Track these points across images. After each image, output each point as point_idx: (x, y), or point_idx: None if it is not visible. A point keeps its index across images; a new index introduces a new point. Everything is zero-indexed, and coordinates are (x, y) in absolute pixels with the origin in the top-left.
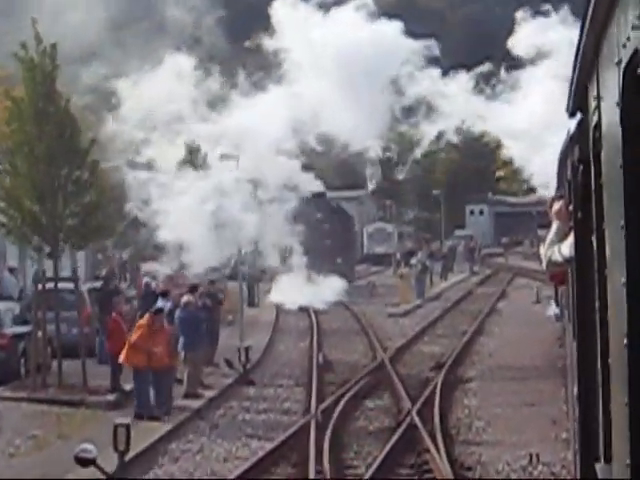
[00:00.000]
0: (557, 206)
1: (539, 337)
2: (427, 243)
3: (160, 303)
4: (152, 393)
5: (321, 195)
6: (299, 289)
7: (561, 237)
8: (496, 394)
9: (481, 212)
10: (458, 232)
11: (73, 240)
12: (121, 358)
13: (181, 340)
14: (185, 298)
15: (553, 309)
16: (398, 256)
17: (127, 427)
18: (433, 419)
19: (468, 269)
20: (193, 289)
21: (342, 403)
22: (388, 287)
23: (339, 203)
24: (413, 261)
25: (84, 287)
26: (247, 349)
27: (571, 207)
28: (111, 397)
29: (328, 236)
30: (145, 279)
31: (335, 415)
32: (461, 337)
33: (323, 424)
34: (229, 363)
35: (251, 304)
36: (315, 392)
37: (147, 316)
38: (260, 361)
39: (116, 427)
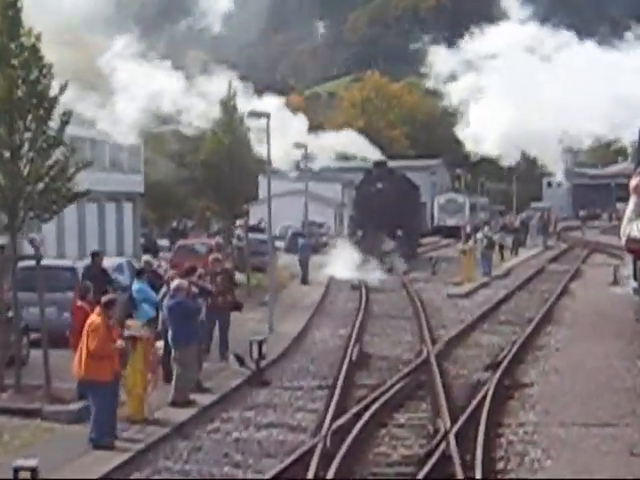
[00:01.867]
0: (635, 182)
1: (616, 329)
2: (501, 215)
3: (135, 285)
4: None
5: (382, 164)
6: (353, 264)
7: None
8: (561, 406)
9: (559, 184)
10: (534, 204)
11: (36, 210)
12: (76, 372)
13: (169, 334)
14: (175, 282)
15: (632, 283)
16: (468, 229)
17: (33, 471)
18: (475, 446)
19: (542, 243)
20: (189, 271)
21: (365, 417)
22: (455, 262)
23: (404, 173)
24: (479, 235)
25: (79, 264)
26: (261, 342)
27: None
28: (74, 406)
29: (388, 207)
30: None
31: (351, 436)
32: (526, 326)
33: (332, 450)
34: (239, 359)
35: (304, 282)
36: (335, 401)
37: (97, 309)
38: (285, 354)
39: (16, 471)
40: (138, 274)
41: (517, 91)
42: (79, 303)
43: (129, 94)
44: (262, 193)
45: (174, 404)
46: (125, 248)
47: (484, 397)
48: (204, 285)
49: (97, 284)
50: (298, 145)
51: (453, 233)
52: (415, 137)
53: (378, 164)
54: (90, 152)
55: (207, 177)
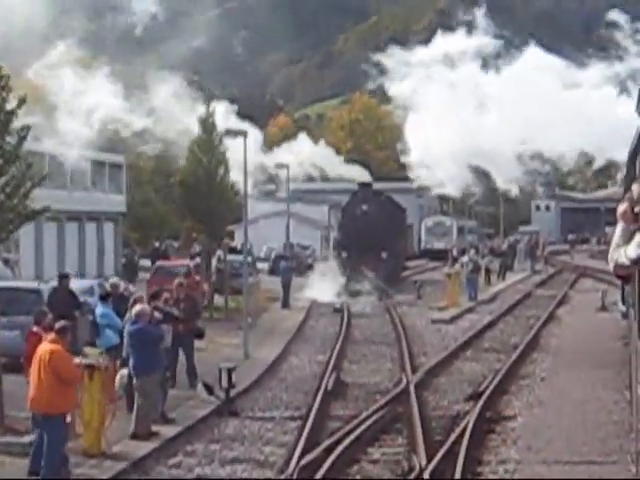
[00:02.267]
0: (622, 208)
1: (604, 358)
2: (489, 238)
3: (98, 310)
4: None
5: (367, 185)
6: (337, 287)
7: (627, 239)
8: (545, 441)
9: (547, 207)
10: (523, 228)
11: None
12: (36, 403)
13: (131, 362)
14: (137, 307)
15: (620, 307)
16: (454, 252)
17: None
18: None
19: (529, 267)
20: (154, 296)
21: (337, 452)
22: (442, 286)
23: (391, 195)
24: (464, 259)
25: (45, 286)
26: (231, 370)
27: (637, 208)
28: (29, 438)
29: (373, 229)
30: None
31: (320, 473)
32: (511, 353)
33: None
34: (208, 388)
35: (284, 305)
36: (306, 434)
37: (50, 336)
38: (258, 381)
39: None
40: (102, 298)
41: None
42: (34, 328)
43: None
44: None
45: (135, 436)
46: (105, 269)
47: (463, 431)
48: (169, 310)
49: (64, 307)
50: (279, 166)
51: (440, 256)
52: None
53: (363, 186)
54: (70, 171)
55: (184, 198)
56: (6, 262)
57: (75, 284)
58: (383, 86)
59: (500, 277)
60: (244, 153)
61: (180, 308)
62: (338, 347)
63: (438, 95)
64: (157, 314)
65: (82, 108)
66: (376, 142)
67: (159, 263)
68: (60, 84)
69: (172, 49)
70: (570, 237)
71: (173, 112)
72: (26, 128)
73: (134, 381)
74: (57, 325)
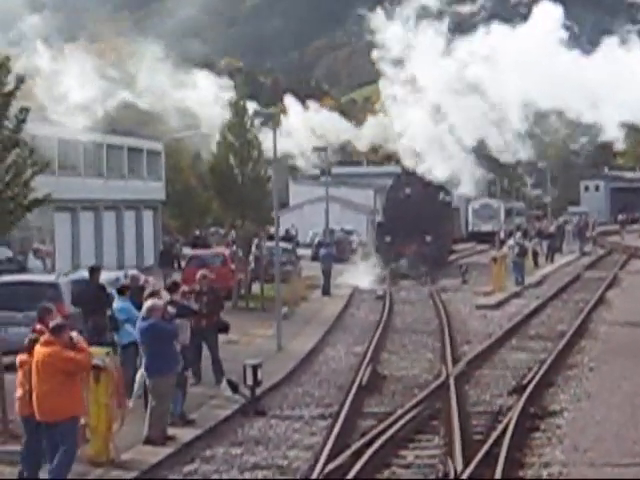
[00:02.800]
0: None
1: None
2: (538, 220)
3: (116, 304)
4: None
5: (410, 169)
6: (380, 273)
7: None
8: (592, 440)
9: (597, 188)
10: (572, 209)
11: None
12: (20, 409)
13: (143, 361)
14: (149, 302)
15: None
16: (502, 235)
17: None
18: None
19: (578, 249)
20: (171, 288)
21: (366, 456)
22: (488, 270)
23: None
24: (510, 242)
25: (64, 279)
26: (256, 367)
27: None
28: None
29: (416, 213)
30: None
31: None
32: (558, 341)
33: None
34: (232, 385)
35: (325, 293)
36: (335, 435)
37: (45, 337)
38: (289, 376)
39: None
40: (120, 291)
41: None
42: (38, 326)
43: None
44: (293, 200)
45: (149, 442)
46: (145, 258)
47: (505, 429)
48: (187, 304)
49: (95, 303)
50: (317, 149)
51: (488, 239)
52: None
53: (406, 169)
54: (107, 158)
55: (216, 184)
56: (36, 253)
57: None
58: None
59: (548, 260)
60: (274, 139)
61: (203, 301)
62: (377, 337)
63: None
64: (171, 308)
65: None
66: None
67: (193, 252)
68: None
69: (219, 36)
70: (620, 217)
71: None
72: (25, 110)
73: (147, 382)
74: (51, 323)
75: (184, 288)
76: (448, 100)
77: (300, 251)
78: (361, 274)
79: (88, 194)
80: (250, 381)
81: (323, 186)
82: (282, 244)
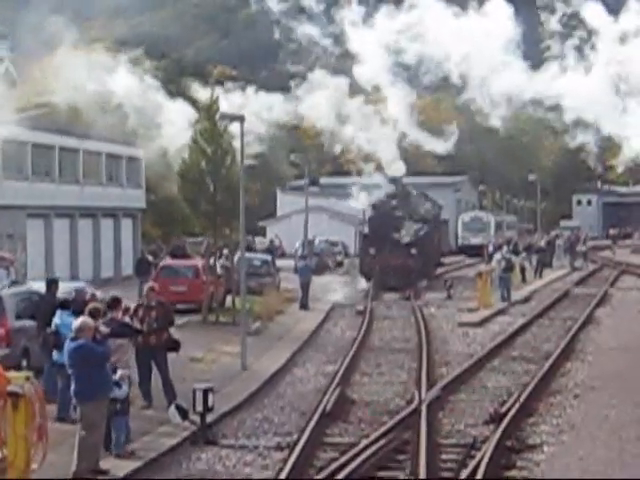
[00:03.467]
0: None
1: None
2: (528, 234)
3: (57, 319)
4: None
5: (397, 180)
6: (362, 286)
7: None
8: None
9: (589, 202)
10: (564, 223)
11: None
12: None
13: (72, 386)
14: (78, 321)
15: None
16: (490, 248)
17: None
18: None
19: (569, 264)
20: (111, 305)
21: None
22: (475, 285)
23: (424, 190)
24: (497, 256)
25: (7, 292)
26: (207, 392)
27: None
28: None
29: (401, 225)
30: None
31: None
32: (542, 362)
33: None
34: (182, 411)
35: (303, 306)
36: (288, 471)
37: None
38: (249, 400)
39: None
40: (62, 305)
41: None
42: None
43: None
44: (280, 210)
45: (77, 477)
46: (124, 267)
47: (477, 466)
48: (128, 322)
49: (50, 317)
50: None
51: (477, 252)
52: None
53: (393, 180)
54: (83, 164)
55: (187, 191)
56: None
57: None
58: None
59: (537, 275)
60: (241, 140)
61: (152, 317)
62: (351, 356)
63: None
64: (104, 328)
65: None
66: None
67: (164, 262)
68: None
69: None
70: (612, 232)
71: None
72: None
73: (76, 409)
74: None
75: (126, 304)
76: None
77: (286, 262)
78: (343, 287)
79: (63, 201)
80: (200, 407)
81: (311, 196)
82: (260, 255)
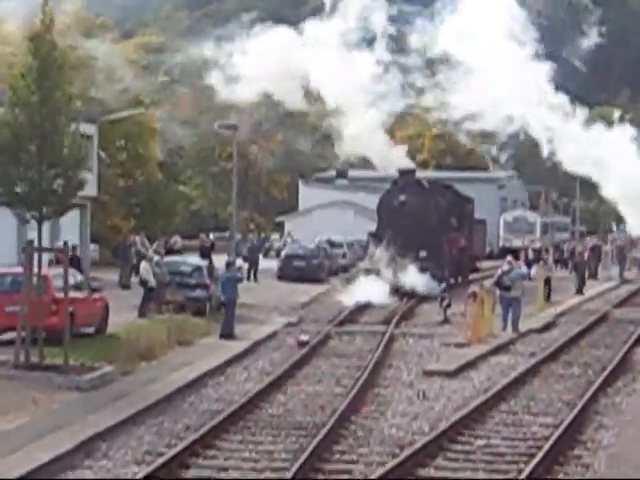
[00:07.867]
0: None
1: None
2: (582, 237)
3: None
4: None
5: (408, 172)
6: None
7: None
8: None
9: None
10: (623, 225)
11: None
12: None
13: None
14: None
15: None
16: (530, 253)
17: None
18: None
19: (617, 276)
20: None
21: None
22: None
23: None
24: (505, 267)
25: None
26: None
27: None
28: None
29: (410, 224)
30: None
31: None
32: (529, 461)
33: None
34: None
35: (225, 334)
36: None
37: None
38: None
39: None
40: None
41: None
42: None
43: None
44: (302, 203)
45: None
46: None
47: None
48: None
49: None
50: None
51: (518, 256)
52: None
53: (404, 173)
54: None
55: None
56: None
57: None
58: None
59: (578, 290)
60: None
61: None
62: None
63: None
64: None
65: None
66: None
67: None
68: None
69: None
70: None
71: None
72: None
73: None
74: None
75: None
76: None
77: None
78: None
79: None
80: None
81: (337, 190)
82: (191, 259)
